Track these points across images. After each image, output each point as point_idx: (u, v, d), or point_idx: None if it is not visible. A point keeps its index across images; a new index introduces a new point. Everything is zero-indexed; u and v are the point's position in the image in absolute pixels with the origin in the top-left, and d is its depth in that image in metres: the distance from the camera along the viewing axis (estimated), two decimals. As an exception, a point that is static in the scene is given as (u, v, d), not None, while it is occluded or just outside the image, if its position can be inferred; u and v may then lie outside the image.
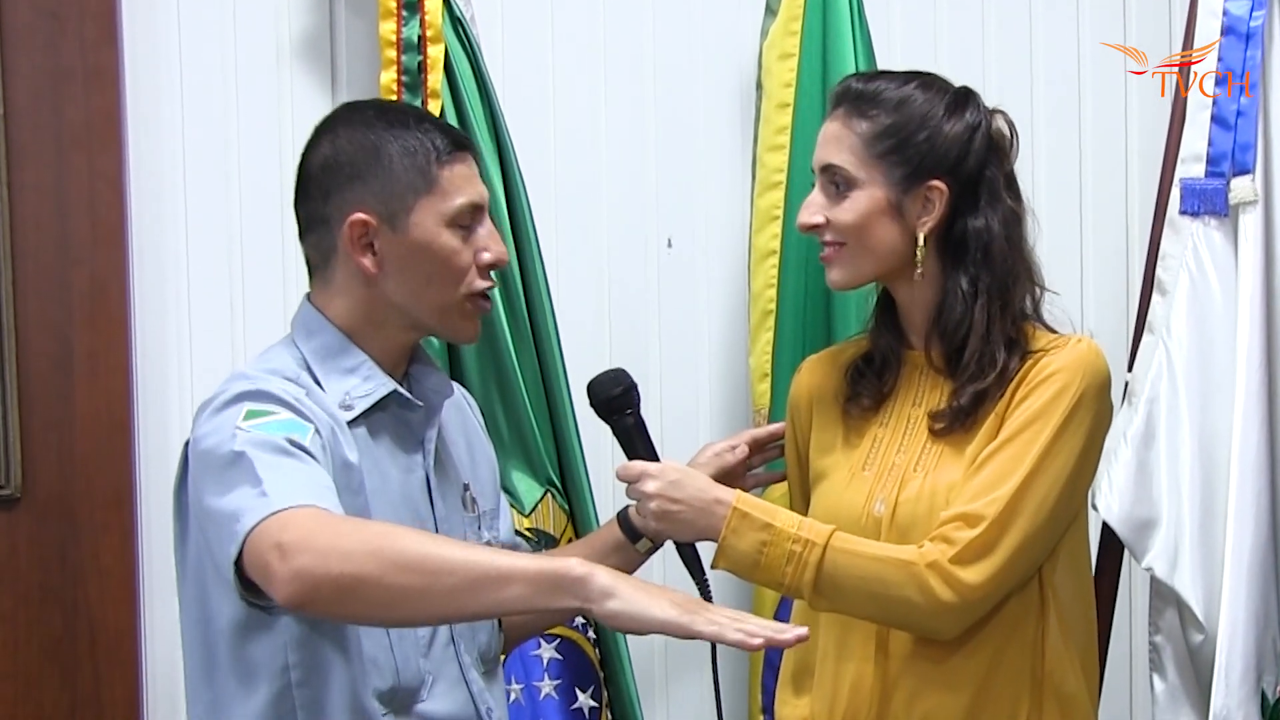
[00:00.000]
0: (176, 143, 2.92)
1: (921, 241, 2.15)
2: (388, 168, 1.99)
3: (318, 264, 2.05)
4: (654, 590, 1.73)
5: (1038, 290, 2.20)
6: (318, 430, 1.90)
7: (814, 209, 2.18)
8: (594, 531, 2.57)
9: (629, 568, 2.18)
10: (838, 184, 2.17)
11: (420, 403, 2.06)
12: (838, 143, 2.17)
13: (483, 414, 2.74)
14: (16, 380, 2.81)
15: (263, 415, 1.88)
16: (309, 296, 2.07)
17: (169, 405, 2.89)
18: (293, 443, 1.85)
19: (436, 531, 2.04)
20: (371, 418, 2.01)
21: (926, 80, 2.21)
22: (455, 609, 1.76)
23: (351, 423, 1.98)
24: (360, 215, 1.97)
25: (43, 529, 2.83)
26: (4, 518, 2.82)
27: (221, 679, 1.97)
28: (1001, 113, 2.22)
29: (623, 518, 2.26)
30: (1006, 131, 2.21)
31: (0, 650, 2.82)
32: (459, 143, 2.04)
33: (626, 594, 1.72)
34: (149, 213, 2.91)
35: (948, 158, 2.15)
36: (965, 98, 2.20)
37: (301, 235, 2.07)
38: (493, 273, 2.85)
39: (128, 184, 2.88)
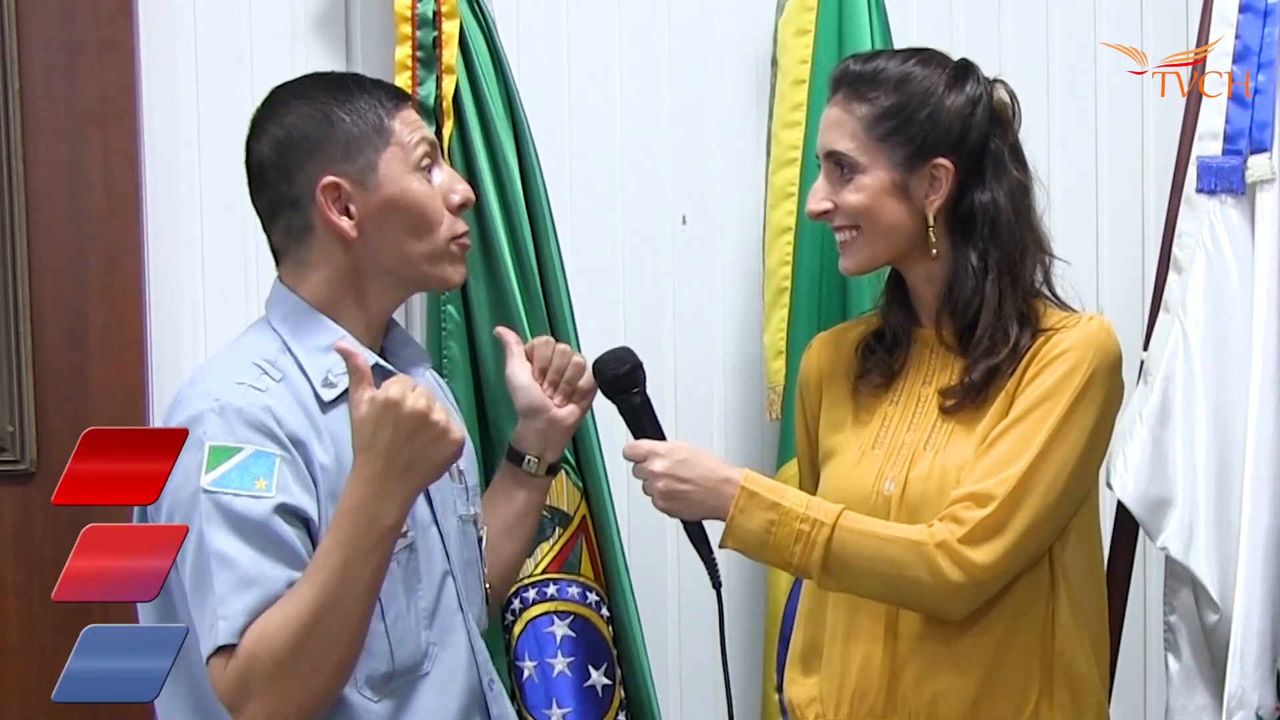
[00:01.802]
0: (191, 117, 2.92)
1: (931, 221, 2.13)
2: (344, 130, 2.00)
3: (289, 246, 2.05)
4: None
5: (1047, 260, 2.18)
6: (284, 454, 1.90)
7: (821, 195, 2.18)
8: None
9: (534, 492, 2.25)
10: (842, 168, 2.16)
11: (401, 373, 2.04)
12: (839, 128, 2.16)
13: (497, 392, 2.74)
14: (31, 355, 2.83)
15: (226, 458, 1.88)
16: (280, 278, 2.08)
17: (183, 380, 2.85)
18: (260, 500, 1.86)
19: (429, 500, 2.04)
20: None
21: (925, 56, 2.19)
22: (365, 598, 1.85)
23: (335, 400, 1.97)
24: (331, 179, 1.99)
25: (57, 503, 2.85)
26: (19, 491, 2.83)
27: (201, 676, 1.93)
28: (1001, 82, 2.20)
29: (510, 449, 2.27)
30: (1008, 100, 2.19)
31: (14, 624, 2.84)
32: (399, 94, 2.09)
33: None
34: (163, 187, 2.92)
35: (951, 134, 2.14)
36: (965, 71, 2.18)
37: (266, 224, 2.07)
38: (505, 251, 2.86)
39: (142, 158, 2.89)
